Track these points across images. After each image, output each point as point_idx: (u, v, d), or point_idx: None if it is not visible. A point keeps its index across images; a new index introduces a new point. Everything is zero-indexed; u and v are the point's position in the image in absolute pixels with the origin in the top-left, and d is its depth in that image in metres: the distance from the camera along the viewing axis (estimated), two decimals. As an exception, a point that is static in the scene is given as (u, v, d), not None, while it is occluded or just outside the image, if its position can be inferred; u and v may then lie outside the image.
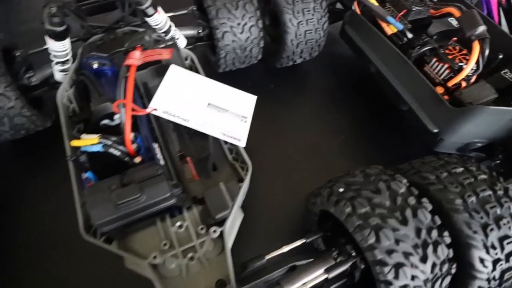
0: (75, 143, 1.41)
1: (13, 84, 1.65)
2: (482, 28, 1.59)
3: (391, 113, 2.13)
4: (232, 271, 1.20)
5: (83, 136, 1.45)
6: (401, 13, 1.84)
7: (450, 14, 1.82)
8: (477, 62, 1.61)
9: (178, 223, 1.32)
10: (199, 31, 2.07)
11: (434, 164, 1.39)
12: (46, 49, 1.78)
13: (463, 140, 1.66)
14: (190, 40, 2.04)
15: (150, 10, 1.67)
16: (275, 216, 1.78)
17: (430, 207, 1.20)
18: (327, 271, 1.26)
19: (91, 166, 1.37)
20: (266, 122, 2.07)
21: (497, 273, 1.20)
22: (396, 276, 1.11)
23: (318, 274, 1.26)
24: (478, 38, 1.60)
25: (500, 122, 1.54)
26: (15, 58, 1.76)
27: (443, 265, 1.16)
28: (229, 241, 1.28)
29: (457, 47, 1.72)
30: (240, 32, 1.90)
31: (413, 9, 1.82)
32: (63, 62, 1.73)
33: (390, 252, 1.12)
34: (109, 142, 1.37)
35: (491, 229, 1.19)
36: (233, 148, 1.61)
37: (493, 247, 1.18)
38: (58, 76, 1.78)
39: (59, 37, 1.60)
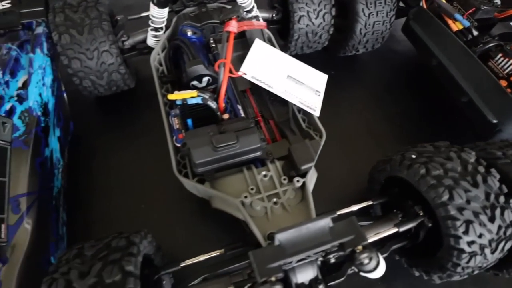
0: (173, 96, 1.59)
1: (116, 43, 1.85)
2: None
3: (445, 105, 2.26)
4: (314, 215, 1.34)
5: (176, 92, 1.63)
6: (469, 11, 1.97)
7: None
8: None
9: (263, 173, 1.48)
10: (273, 14, 2.24)
11: (499, 144, 1.51)
12: (142, 17, 1.99)
13: (522, 131, 1.77)
14: (263, 22, 2.22)
15: (242, -11, 1.85)
16: (332, 186, 1.92)
17: (498, 176, 1.33)
18: (397, 226, 1.39)
19: (190, 115, 1.54)
20: (326, 104, 2.21)
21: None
22: (466, 232, 1.24)
23: (388, 228, 1.39)
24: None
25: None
26: (117, 22, 1.95)
27: (508, 228, 1.28)
28: (310, 190, 1.43)
29: (522, 46, 1.85)
30: (315, 17, 2.06)
31: (482, 8, 1.95)
32: (157, 29, 1.92)
33: (461, 209, 1.25)
34: (206, 96, 1.54)
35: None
36: (305, 118, 1.76)
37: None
38: (150, 41, 1.97)
39: (161, 4, 1.80)
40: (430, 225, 1.40)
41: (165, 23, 1.90)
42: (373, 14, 2.09)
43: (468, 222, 1.25)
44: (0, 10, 1.93)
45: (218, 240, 1.71)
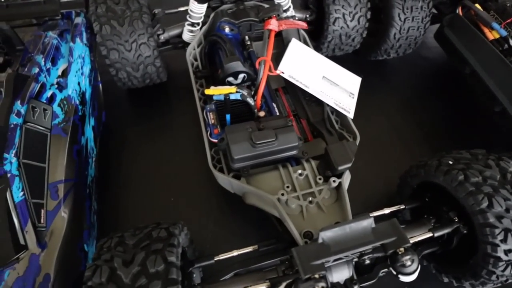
0: (210, 91, 1.61)
1: (153, 36, 1.87)
2: None
3: (475, 113, 2.25)
4: (350, 215, 1.35)
5: (213, 87, 1.65)
6: (508, 21, 1.96)
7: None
8: None
9: (298, 171, 1.49)
10: (307, 15, 2.25)
11: (536, 155, 1.50)
12: (179, 11, 2.02)
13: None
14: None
15: (280, -12, 1.86)
16: (362, 188, 1.92)
17: (538, 186, 1.32)
18: (431, 231, 1.39)
19: (229, 110, 1.55)
20: (355, 106, 2.23)
21: None
22: (504, 240, 1.24)
23: (422, 232, 1.39)
24: None
25: None
26: (154, 15, 1.98)
27: (545, 238, 1.27)
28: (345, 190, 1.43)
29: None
30: (350, 20, 2.07)
31: (521, 18, 1.93)
32: (194, 24, 1.94)
33: (500, 217, 1.25)
34: (245, 93, 1.56)
35: None
36: (338, 119, 1.77)
37: None
38: (186, 36, 1.99)
39: (202, 0, 1.81)
40: (465, 231, 1.40)
41: (202, 19, 1.92)
42: (408, 19, 2.09)
43: (507, 231, 1.24)
44: (41, -1, 1.95)
45: (246, 236, 1.72)
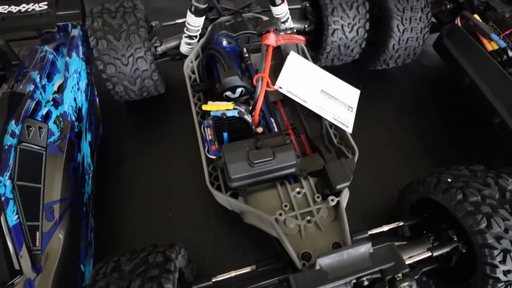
0: (208, 107, 1.59)
1: (151, 49, 1.85)
2: None
3: (475, 123, 2.24)
4: (349, 236, 1.34)
5: (210, 103, 1.64)
6: (507, 32, 1.95)
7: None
8: None
9: (297, 189, 1.48)
10: (306, 25, 2.24)
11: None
12: (176, 23, 2.00)
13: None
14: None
15: (279, 0, 1.84)
16: (361, 202, 1.91)
17: (538, 206, 1.31)
18: (430, 250, 1.38)
19: (226, 129, 1.54)
20: (355, 117, 2.22)
21: None
22: (503, 261, 1.23)
23: (421, 252, 1.38)
24: None
25: None
26: (152, 28, 1.96)
27: (545, 260, 1.26)
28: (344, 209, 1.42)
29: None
30: (349, 31, 2.05)
31: (520, 29, 1.92)
32: (192, 37, 1.92)
33: (499, 238, 1.24)
34: (242, 109, 1.54)
35: None
36: (336, 133, 1.76)
37: None
38: (184, 48, 1.98)
39: (199, 13, 1.80)
40: (464, 250, 1.39)
41: (199, 32, 1.90)
42: (407, 30, 2.07)
43: (506, 251, 1.24)
44: (37, 12, 1.94)
45: (246, 251, 1.71)
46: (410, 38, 2.11)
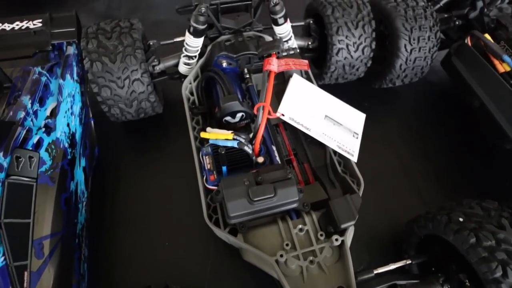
0: (206, 135, 1.52)
1: (148, 71, 1.78)
2: None
3: (485, 147, 2.16)
4: (353, 279, 1.26)
5: (209, 129, 1.56)
6: (519, 54, 1.87)
7: None
8: None
9: (299, 226, 1.40)
10: (309, 42, 2.16)
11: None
12: (175, 42, 1.92)
13: None
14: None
15: (281, 20, 1.77)
16: (365, 230, 1.83)
17: (556, 251, 1.23)
18: (440, 295, 1.30)
19: (225, 162, 1.46)
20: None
21: None
22: (519, 313, 1.15)
23: (430, 297, 1.31)
24: None
25: None
26: (149, 47, 1.88)
27: None
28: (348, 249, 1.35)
29: None
30: (354, 50, 1.97)
31: (534, 51, 1.84)
32: (190, 57, 1.85)
33: (515, 288, 1.16)
34: (242, 140, 1.47)
35: None
36: (341, 161, 1.68)
37: None
38: (182, 68, 1.90)
39: (198, 34, 1.72)
40: (477, 297, 1.31)
41: (198, 52, 1.83)
42: (415, 50, 1.99)
43: (522, 303, 1.16)
44: (31, 30, 1.87)
45: (246, 286, 1.64)
46: (418, 58, 2.03)
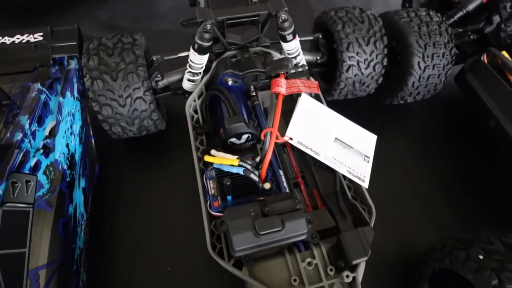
0: (210, 159, 1.45)
1: (150, 89, 1.71)
2: None
3: (501, 170, 2.07)
4: (366, 321, 1.19)
5: (214, 152, 1.50)
6: (539, 73, 1.78)
7: None
8: None
9: (307, 260, 1.33)
10: (318, 57, 2.08)
11: None
12: (179, 57, 1.86)
13: None
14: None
15: (290, 36, 1.70)
16: (374, 259, 1.75)
17: None
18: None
19: (230, 192, 1.39)
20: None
21: None
22: None
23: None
24: None
25: None
26: (152, 63, 1.82)
27: None
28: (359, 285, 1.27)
29: None
30: (365, 68, 1.90)
31: (554, 71, 1.75)
32: (195, 74, 1.78)
33: (540, 336, 1.08)
34: (248, 166, 1.40)
35: None
36: (351, 185, 1.61)
37: None
38: (186, 85, 1.84)
39: (202, 51, 1.65)
40: None
41: (203, 69, 1.76)
42: (429, 68, 1.91)
43: None
44: (32, 43, 1.81)
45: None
46: (432, 76, 1.95)
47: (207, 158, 1.47)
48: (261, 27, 1.79)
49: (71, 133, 1.64)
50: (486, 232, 1.40)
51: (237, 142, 1.63)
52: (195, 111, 1.76)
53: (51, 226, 1.37)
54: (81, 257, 1.55)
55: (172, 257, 1.74)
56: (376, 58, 1.90)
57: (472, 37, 2.21)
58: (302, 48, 1.94)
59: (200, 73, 1.78)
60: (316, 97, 1.74)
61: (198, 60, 1.70)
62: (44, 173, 1.45)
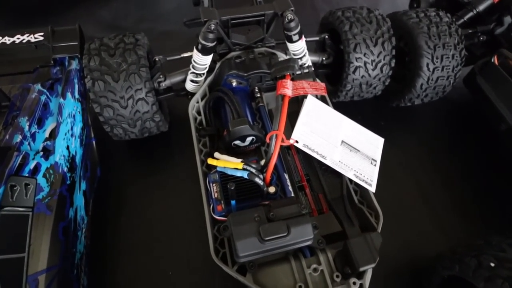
0: (214, 162, 1.42)
1: (153, 90, 1.68)
2: None
3: (511, 175, 2.02)
4: (374, 330, 1.15)
5: (217, 155, 1.46)
6: (552, 75, 1.74)
7: None
8: None
9: (313, 266, 1.29)
10: (324, 58, 2.04)
11: None
12: (182, 57, 1.82)
13: None
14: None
15: (296, 37, 1.66)
16: (381, 265, 1.70)
17: None
18: None
19: (234, 197, 1.35)
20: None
21: None
22: None
23: None
24: None
25: None
26: (155, 63, 1.79)
27: None
28: (367, 296, 1.23)
29: None
30: (372, 69, 1.86)
31: None
32: (198, 75, 1.74)
33: None
34: (253, 170, 1.36)
35: None
36: (357, 189, 1.57)
37: None
38: (189, 86, 1.80)
39: (206, 52, 1.62)
40: None
41: (206, 70, 1.72)
42: (438, 69, 1.87)
43: None
44: (32, 43, 1.78)
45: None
46: (441, 77, 1.91)
47: (210, 161, 1.44)
48: (267, 27, 1.75)
49: (71, 135, 1.61)
50: (497, 238, 1.35)
51: (241, 144, 1.59)
52: (198, 113, 1.72)
53: (51, 230, 1.34)
54: (81, 261, 1.52)
55: (174, 262, 1.70)
56: (384, 59, 1.85)
57: (482, 38, 2.16)
58: (308, 49, 1.90)
59: (203, 74, 1.75)
60: (322, 99, 1.70)
61: (201, 61, 1.66)
62: (44, 176, 1.42)
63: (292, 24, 1.61)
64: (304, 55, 1.81)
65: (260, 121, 1.70)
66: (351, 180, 1.57)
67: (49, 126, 1.56)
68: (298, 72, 1.67)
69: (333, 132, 1.58)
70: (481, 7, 2.12)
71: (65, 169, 1.51)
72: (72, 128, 1.62)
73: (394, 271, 1.70)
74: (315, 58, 2.04)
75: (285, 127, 1.41)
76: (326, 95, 1.64)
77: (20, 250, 1.25)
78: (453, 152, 2.15)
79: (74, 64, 1.82)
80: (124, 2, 3.11)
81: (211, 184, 1.44)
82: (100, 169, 1.90)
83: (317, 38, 2.03)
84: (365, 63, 1.84)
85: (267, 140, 1.37)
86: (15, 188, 1.29)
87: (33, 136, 1.47)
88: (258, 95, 1.73)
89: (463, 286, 1.38)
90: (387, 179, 1.97)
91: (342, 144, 1.57)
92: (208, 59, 1.67)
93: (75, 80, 1.74)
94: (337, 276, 1.28)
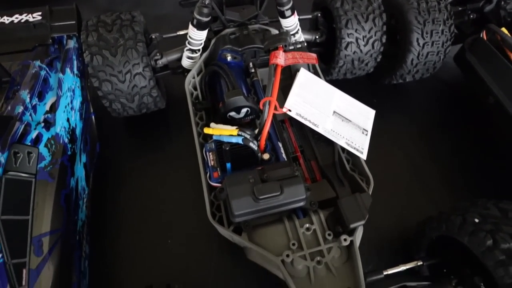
0: (210, 131, 1.47)
1: (150, 65, 1.73)
2: None
3: (499, 147, 2.08)
4: (363, 281, 1.21)
5: (213, 125, 1.51)
6: (538, 48, 1.79)
7: None
8: None
9: (306, 225, 1.34)
10: (316, 36, 2.09)
11: None
12: (178, 35, 1.87)
13: None
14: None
15: (288, 12, 1.71)
16: (373, 233, 1.77)
17: None
18: (455, 300, 1.24)
19: (229, 159, 1.40)
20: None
21: None
22: (540, 320, 1.09)
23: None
24: None
25: None
26: (151, 41, 1.83)
27: None
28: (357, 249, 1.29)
29: None
30: (364, 45, 1.91)
31: (553, 45, 1.76)
32: (194, 51, 1.79)
33: (535, 293, 1.10)
34: (247, 136, 1.41)
35: None
36: (349, 158, 1.62)
37: None
38: (185, 62, 1.85)
39: (201, 27, 1.67)
40: (493, 302, 1.24)
41: (202, 45, 1.77)
42: (428, 44, 1.92)
43: (543, 309, 1.09)
44: (31, 23, 1.82)
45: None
46: (431, 53, 1.96)
47: (206, 130, 1.49)
48: (260, 4, 1.80)
49: (71, 108, 1.66)
50: (482, 200, 1.41)
51: (236, 116, 1.64)
52: (195, 88, 1.77)
53: (53, 197, 1.39)
54: (83, 229, 1.57)
55: (173, 231, 1.76)
56: (375, 35, 1.91)
57: (471, 16, 2.21)
58: (301, 28, 1.95)
59: (199, 50, 1.80)
60: (314, 72, 1.76)
61: (197, 36, 1.71)
62: (46, 145, 1.47)
63: (285, -1, 1.66)
64: (297, 32, 1.86)
65: (255, 96, 1.74)
66: (343, 150, 1.63)
67: (50, 99, 1.61)
68: (291, 48, 1.72)
69: (325, 103, 1.63)
70: (470, -16, 2.17)
71: (66, 140, 1.56)
72: (71, 102, 1.67)
73: (385, 237, 1.76)
74: (308, 37, 2.09)
75: (278, 98, 1.46)
76: (317, 64, 1.68)
77: (24, 212, 1.30)
78: (443, 128, 2.21)
79: (72, 43, 1.86)
80: (120, -13, 3.14)
81: (207, 153, 1.49)
82: (100, 145, 1.95)
83: (309, 16, 2.08)
84: (356, 39, 1.89)
85: (261, 107, 1.42)
86: (18, 155, 1.34)
87: (34, 108, 1.52)
88: (253, 70, 1.78)
89: (452, 249, 1.43)
90: (379, 153, 2.02)
91: (334, 114, 1.62)
92: (203, 34, 1.72)
93: (74, 57, 1.78)
94: (329, 235, 1.33)
